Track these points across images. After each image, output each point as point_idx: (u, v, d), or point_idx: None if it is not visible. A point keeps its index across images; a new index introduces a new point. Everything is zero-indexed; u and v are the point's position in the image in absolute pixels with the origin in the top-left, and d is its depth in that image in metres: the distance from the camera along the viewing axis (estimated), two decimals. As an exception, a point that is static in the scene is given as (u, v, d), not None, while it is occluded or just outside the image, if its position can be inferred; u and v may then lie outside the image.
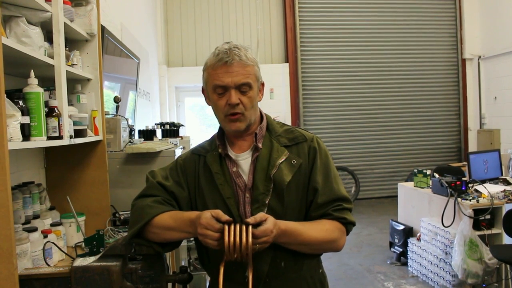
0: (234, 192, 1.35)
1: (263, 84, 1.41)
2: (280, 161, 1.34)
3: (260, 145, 1.37)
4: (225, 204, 1.32)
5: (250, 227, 1.17)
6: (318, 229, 1.31)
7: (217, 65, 1.30)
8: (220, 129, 1.44)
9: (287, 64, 7.64)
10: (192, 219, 1.24)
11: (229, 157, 1.38)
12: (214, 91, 1.33)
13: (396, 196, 4.71)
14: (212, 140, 1.45)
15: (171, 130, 3.79)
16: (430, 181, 3.98)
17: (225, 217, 1.19)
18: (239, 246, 1.15)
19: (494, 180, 3.98)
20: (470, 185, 3.68)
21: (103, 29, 2.54)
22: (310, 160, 1.37)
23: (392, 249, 4.52)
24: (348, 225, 1.35)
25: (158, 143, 2.81)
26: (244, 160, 1.38)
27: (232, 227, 1.16)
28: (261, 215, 1.20)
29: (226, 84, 1.29)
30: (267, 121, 1.44)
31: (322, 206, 1.33)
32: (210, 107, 1.41)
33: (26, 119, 1.44)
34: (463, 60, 8.02)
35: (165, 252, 1.35)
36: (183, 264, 2.71)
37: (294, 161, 1.35)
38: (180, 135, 3.88)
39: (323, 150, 1.41)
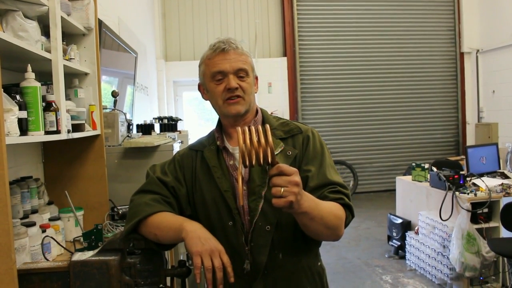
0: (232, 185, 1.35)
1: (257, 78, 1.43)
2: (275, 153, 1.34)
3: None
4: (222, 197, 1.33)
5: (268, 127, 1.09)
6: (326, 204, 1.23)
7: (214, 54, 1.34)
8: (219, 122, 1.45)
9: (285, 58, 7.61)
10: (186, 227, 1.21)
11: (227, 150, 1.39)
12: (213, 78, 1.34)
13: (394, 190, 4.72)
14: (210, 135, 1.46)
15: (169, 125, 3.78)
16: (428, 175, 3.99)
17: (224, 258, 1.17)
18: (257, 145, 1.05)
19: (492, 174, 3.99)
20: (468, 178, 3.69)
21: (100, 23, 2.52)
22: (304, 149, 1.37)
23: (390, 243, 4.54)
24: (345, 207, 1.26)
25: (156, 138, 2.81)
26: None
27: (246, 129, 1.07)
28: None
29: (224, 70, 1.32)
30: (262, 115, 1.45)
31: (315, 190, 1.27)
32: (208, 102, 1.42)
33: (23, 114, 1.43)
34: (461, 54, 8.02)
35: (161, 250, 1.35)
36: (181, 258, 2.71)
37: (289, 152, 1.35)
38: (178, 129, 3.87)
39: (317, 139, 1.39)
